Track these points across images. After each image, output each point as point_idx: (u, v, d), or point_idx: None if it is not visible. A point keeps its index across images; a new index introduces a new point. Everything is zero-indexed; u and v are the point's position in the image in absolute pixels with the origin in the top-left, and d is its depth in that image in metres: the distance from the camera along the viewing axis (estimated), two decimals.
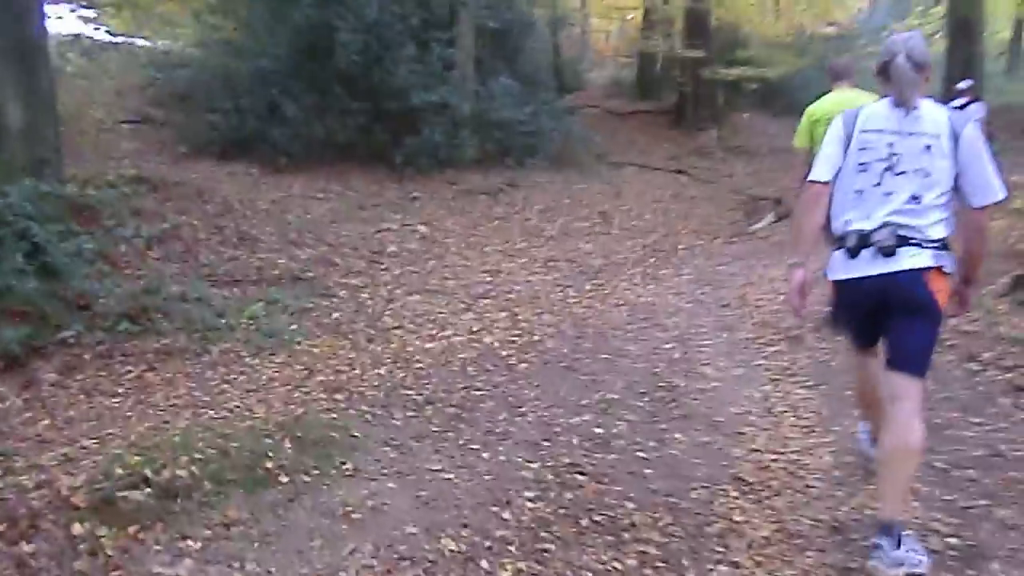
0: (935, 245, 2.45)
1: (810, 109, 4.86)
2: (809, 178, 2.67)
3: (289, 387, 4.28)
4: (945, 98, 7.91)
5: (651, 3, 17.59)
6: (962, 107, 8.57)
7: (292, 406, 3.96)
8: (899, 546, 2.34)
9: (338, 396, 4.13)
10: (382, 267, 7.03)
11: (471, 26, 11.21)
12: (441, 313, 5.85)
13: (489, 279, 6.92)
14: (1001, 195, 2.49)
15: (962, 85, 9.61)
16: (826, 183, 2.61)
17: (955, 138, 2.45)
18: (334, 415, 3.83)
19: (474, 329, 5.46)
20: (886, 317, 2.54)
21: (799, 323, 4.89)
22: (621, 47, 24.54)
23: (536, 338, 5.20)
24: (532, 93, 11.61)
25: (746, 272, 7.16)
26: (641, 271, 7.32)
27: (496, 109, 10.88)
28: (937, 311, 2.49)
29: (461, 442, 3.57)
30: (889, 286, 2.46)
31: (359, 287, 6.46)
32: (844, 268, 2.57)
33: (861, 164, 2.54)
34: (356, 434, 3.58)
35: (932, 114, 2.50)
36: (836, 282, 2.65)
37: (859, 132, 2.57)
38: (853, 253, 2.51)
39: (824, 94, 4.97)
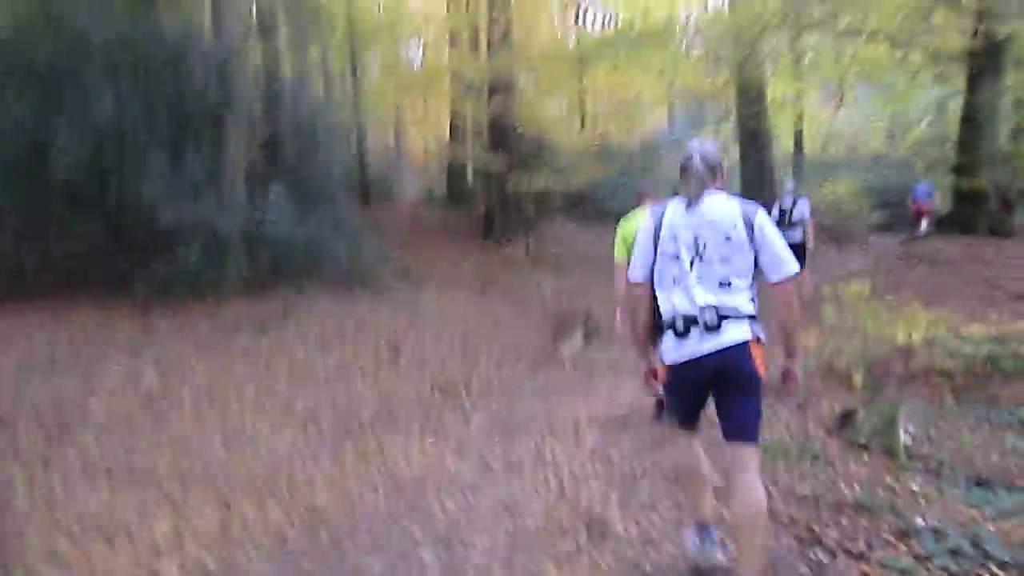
0: (749, 319, 2.75)
1: (622, 224, 5.35)
2: (631, 279, 2.95)
3: None
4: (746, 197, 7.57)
5: (457, 113, 17.11)
6: (793, 203, 9.42)
7: None
8: None
9: None
10: (69, 444, 5.17)
11: (241, 132, 9.79)
12: (126, 517, 4.11)
13: (222, 450, 5.23)
14: (795, 269, 2.79)
15: (789, 186, 9.92)
16: (646, 282, 2.91)
17: (749, 225, 2.76)
18: None
19: (161, 544, 3.77)
20: (714, 392, 2.81)
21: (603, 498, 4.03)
22: (434, 158, 24.00)
23: (240, 560, 3.60)
24: (316, 206, 10.25)
25: (548, 414, 5.97)
26: (422, 422, 5.91)
27: (270, 225, 9.39)
28: (760, 380, 2.73)
29: None
30: (723, 361, 2.70)
31: (20, 478, 4.58)
32: (677, 349, 2.80)
33: (674, 256, 2.82)
34: None
35: (727, 206, 2.81)
36: (672, 364, 2.83)
37: (667, 227, 2.85)
38: (681, 335, 2.76)
39: (634, 208, 5.56)
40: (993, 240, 11.78)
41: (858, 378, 5.94)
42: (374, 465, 4.88)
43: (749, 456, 2.72)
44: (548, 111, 16.46)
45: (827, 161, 19.99)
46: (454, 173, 19.01)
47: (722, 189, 2.89)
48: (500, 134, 14.63)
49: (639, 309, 2.99)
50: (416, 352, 8.19)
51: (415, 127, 22.09)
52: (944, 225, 12.78)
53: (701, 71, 18.70)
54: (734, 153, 22.49)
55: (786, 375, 2.95)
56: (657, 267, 2.88)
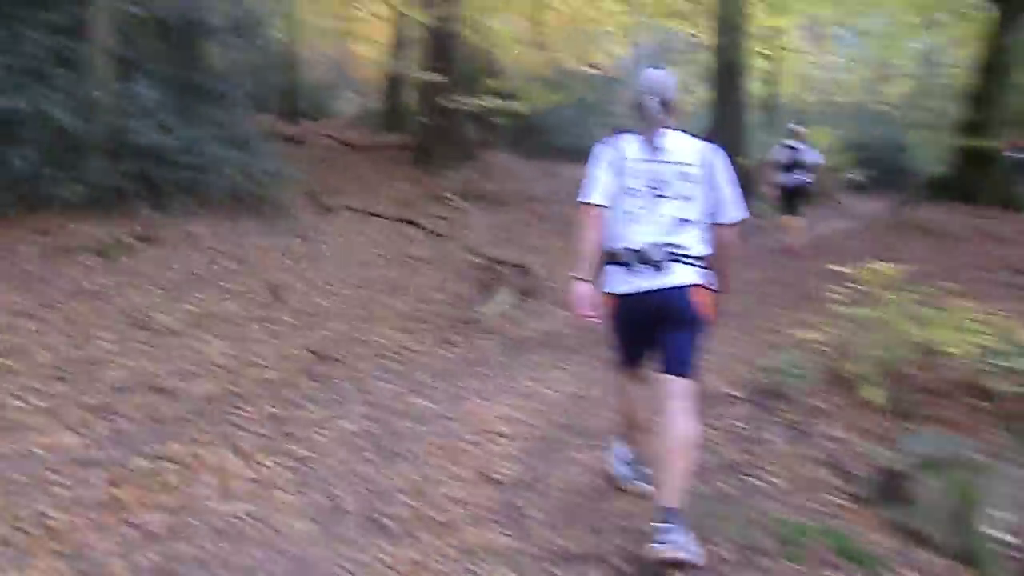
0: (699, 263, 2.75)
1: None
2: (588, 200, 2.81)
3: None
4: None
5: (401, 19, 14.96)
6: (802, 148, 9.41)
7: None
8: (683, 532, 2.48)
9: None
10: None
11: (109, 11, 7.69)
12: None
13: None
14: (742, 214, 2.83)
15: (797, 128, 9.79)
16: (603, 206, 2.80)
17: (708, 165, 2.78)
18: None
19: None
20: (656, 330, 2.78)
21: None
22: (377, 73, 21.73)
23: None
24: (201, 111, 8.26)
25: (448, 412, 4.39)
26: (276, 411, 4.26)
27: (138, 130, 7.41)
28: (702, 321, 2.74)
29: None
30: (663, 299, 2.71)
31: None
32: (621, 282, 2.79)
33: (630, 189, 2.79)
34: None
35: (688, 145, 2.81)
36: (613, 295, 2.83)
37: (625, 161, 2.80)
38: (629, 269, 2.76)
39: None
40: (1003, 213, 10.44)
41: (876, 393, 4.40)
42: (172, 493, 3.23)
43: (683, 388, 2.70)
44: (499, 25, 14.42)
45: (802, 108, 18.49)
46: (393, 90, 16.89)
47: (676, 126, 2.84)
48: (442, 45, 12.62)
49: (591, 229, 2.82)
50: (301, 301, 6.49)
51: (358, 35, 19.70)
52: (943, 192, 11.37)
53: None
54: (702, 91, 21.06)
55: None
56: (614, 199, 2.81)
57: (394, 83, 16.80)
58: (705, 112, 17.32)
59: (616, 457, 3.25)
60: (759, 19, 15.00)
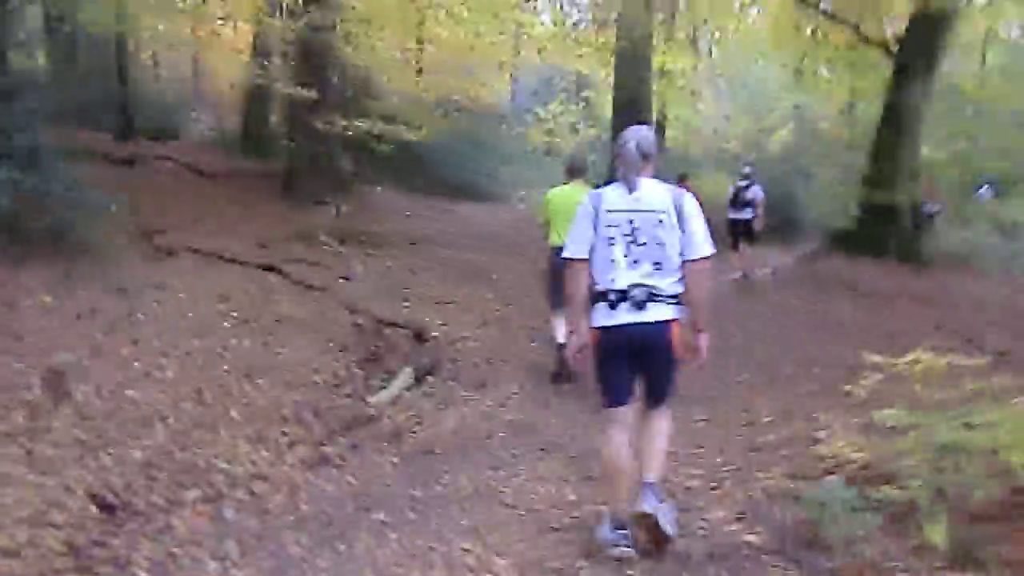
0: (674, 301, 2.94)
1: (549, 195, 5.58)
2: (569, 256, 3.02)
3: None
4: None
5: (262, 30, 12.74)
6: (748, 185, 9.70)
7: None
8: (660, 500, 2.92)
9: None
10: None
11: None
12: None
13: None
14: (710, 250, 2.95)
15: (746, 169, 10.09)
16: (584, 259, 2.98)
17: (679, 209, 2.92)
18: None
19: None
20: (637, 364, 2.98)
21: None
22: (234, 90, 19.18)
23: None
24: None
25: None
26: None
27: None
28: (674, 355, 2.96)
29: None
30: (645, 335, 2.90)
31: None
32: (606, 318, 2.93)
33: (610, 239, 2.93)
34: None
35: (658, 193, 2.95)
36: (600, 328, 2.96)
37: (604, 212, 2.96)
38: (613, 306, 2.91)
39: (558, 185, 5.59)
40: (914, 268, 9.56)
41: (936, 533, 2.99)
42: None
43: (660, 414, 3.06)
44: (380, 44, 12.55)
45: (689, 156, 17.68)
46: (255, 110, 14.52)
47: (650, 174, 2.99)
48: (313, 58, 10.54)
49: (578, 281, 3.00)
50: (100, 398, 4.23)
51: (214, 47, 17.08)
52: (847, 244, 10.49)
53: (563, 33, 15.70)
54: (587, 132, 20.01)
55: (695, 347, 3.05)
56: (597, 248, 2.96)
57: (256, 101, 14.43)
58: (602, 153, 16.19)
59: (603, 529, 3.08)
60: (659, 59, 13.96)
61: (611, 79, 14.23)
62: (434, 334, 6.08)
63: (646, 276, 2.89)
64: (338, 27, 10.39)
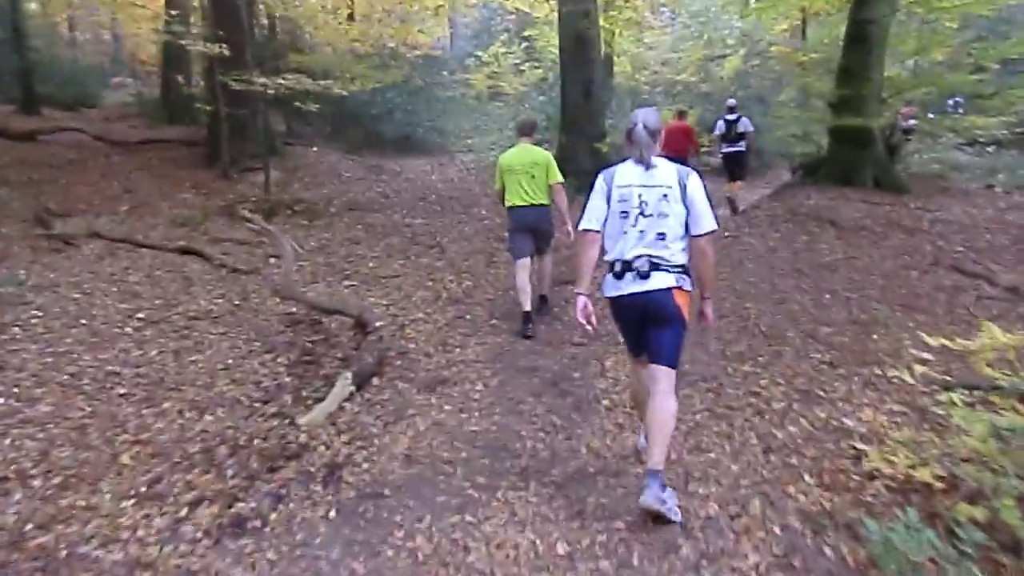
0: (678, 270, 3.01)
1: (501, 159, 5.50)
2: (583, 227, 3.13)
3: None
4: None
5: None
6: (736, 118, 9.51)
7: None
8: (663, 489, 2.90)
9: None
10: None
11: None
12: None
13: None
14: (713, 226, 3.02)
15: (731, 103, 9.89)
16: (597, 231, 3.10)
17: (683, 186, 3.00)
18: None
19: None
20: (646, 327, 3.06)
21: None
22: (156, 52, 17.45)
23: None
24: None
25: None
26: None
27: None
28: (682, 319, 3.01)
29: None
30: (647, 301, 2.99)
31: None
32: (614, 287, 3.08)
33: (622, 212, 3.05)
34: None
35: (665, 169, 3.05)
36: (609, 298, 3.13)
37: (616, 187, 3.08)
38: (619, 276, 3.04)
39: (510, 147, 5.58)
40: (892, 195, 8.77)
41: None
42: None
43: (665, 375, 2.99)
44: None
45: (639, 90, 16.53)
46: (175, 72, 12.94)
47: (658, 152, 3.08)
48: (228, 12, 9.16)
49: (589, 250, 3.12)
50: None
51: (126, 7, 15.28)
52: (818, 174, 9.65)
53: None
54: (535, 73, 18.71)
55: (701, 314, 3.17)
56: (609, 219, 3.08)
57: (175, 62, 12.88)
58: (550, 94, 14.97)
59: (638, 439, 3.46)
60: None
61: (554, 16, 13.02)
62: (378, 323, 5.05)
63: (650, 246, 3.00)
64: None
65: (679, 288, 3.00)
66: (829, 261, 6.65)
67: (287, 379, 4.46)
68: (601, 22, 12.25)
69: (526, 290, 5.28)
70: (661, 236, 2.99)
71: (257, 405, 4.10)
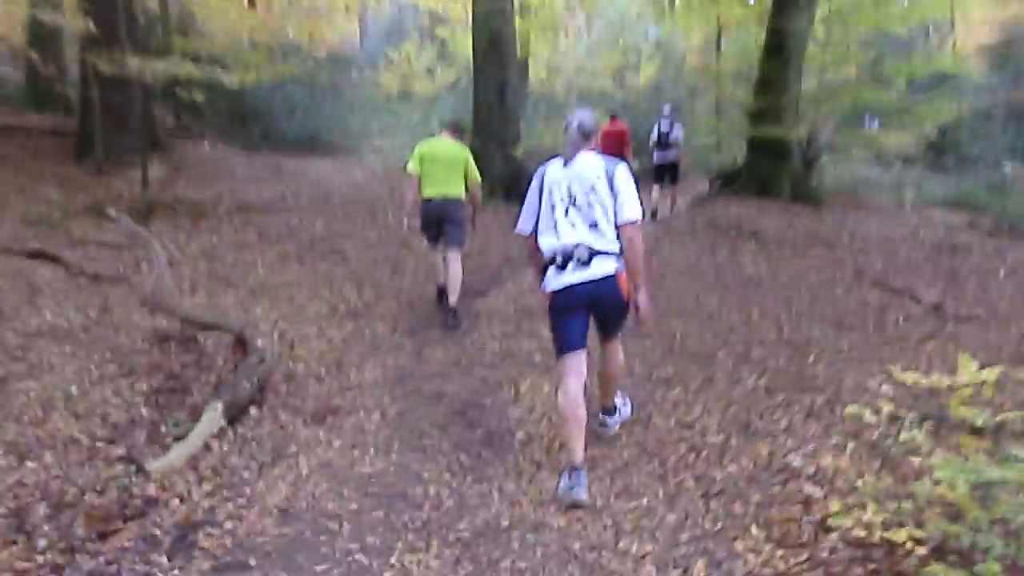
0: (615, 255, 3.12)
1: (421, 146, 5.38)
2: (520, 231, 3.36)
3: None
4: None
5: None
6: (670, 126, 9.48)
7: None
8: (614, 415, 3.50)
9: None
10: None
11: None
12: None
13: None
14: (638, 215, 3.13)
15: (665, 111, 9.84)
16: (532, 233, 3.29)
17: (610, 177, 3.13)
18: None
19: None
20: (591, 315, 3.19)
21: None
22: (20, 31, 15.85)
23: None
24: None
25: None
26: None
27: None
28: (625, 302, 3.15)
29: None
30: (593, 289, 3.09)
31: None
32: (556, 279, 3.15)
33: (552, 205, 3.19)
34: None
35: (593, 163, 3.16)
36: (555, 292, 3.17)
37: (547, 183, 3.23)
38: (562, 267, 3.12)
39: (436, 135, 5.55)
40: (808, 207, 8.68)
41: None
42: None
43: (615, 346, 3.31)
44: None
45: (553, 96, 16.21)
46: (43, 53, 11.60)
47: (594, 149, 3.22)
48: None
49: (534, 251, 3.29)
50: None
51: None
52: (736, 184, 9.52)
53: None
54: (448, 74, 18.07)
55: (636, 307, 3.18)
56: (542, 215, 3.23)
57: (44, 42, 11.56)
58: (462, 97, 14.38)
59: (561, 480, 3.15)
60: None
61: (469, 15, 12.52)
62: (262, 341, 4.36)
63: (584, 236, 3.09)
64: None
65: (621, 274, 3.12)
66: (753, 275, 6.38)
67: (143, 411, 3.72)
68: (517, 23, 11.83)
69: (439, 267, 5.41)
70: (594, 225, 3.10)
71: (100, 446, 3.35)
